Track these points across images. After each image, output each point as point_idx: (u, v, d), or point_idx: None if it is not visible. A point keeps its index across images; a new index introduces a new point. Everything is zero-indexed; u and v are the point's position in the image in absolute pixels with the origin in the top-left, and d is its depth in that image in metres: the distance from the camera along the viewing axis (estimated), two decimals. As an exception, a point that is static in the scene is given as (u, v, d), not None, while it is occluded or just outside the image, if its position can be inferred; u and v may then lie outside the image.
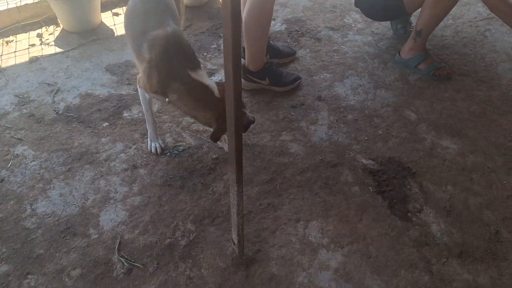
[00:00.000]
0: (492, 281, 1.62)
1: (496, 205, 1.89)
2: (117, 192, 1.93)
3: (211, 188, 1.95)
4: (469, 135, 2.22)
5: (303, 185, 1.99)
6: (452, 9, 2.47)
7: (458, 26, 2.99)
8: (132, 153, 2.12)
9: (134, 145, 2.16)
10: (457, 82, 2.55)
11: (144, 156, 2.10)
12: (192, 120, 2.31)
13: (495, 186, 1.97)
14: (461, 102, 2.42)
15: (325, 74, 2.66)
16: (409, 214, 1.86)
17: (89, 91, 2.51)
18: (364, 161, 2.10)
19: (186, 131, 2.24)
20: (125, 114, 2.34)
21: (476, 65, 2.67)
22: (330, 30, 3.00)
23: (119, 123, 2.28)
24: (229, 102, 1.13)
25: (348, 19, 3.10)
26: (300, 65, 2.73)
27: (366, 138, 2.22)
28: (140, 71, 1.92)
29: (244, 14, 2.27)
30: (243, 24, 2.28)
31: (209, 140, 2.17)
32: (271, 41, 2.69)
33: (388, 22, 2.97)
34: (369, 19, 2.93)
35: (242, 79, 2.37)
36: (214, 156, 2.10)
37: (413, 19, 2.91)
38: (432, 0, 2.33)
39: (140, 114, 2.33)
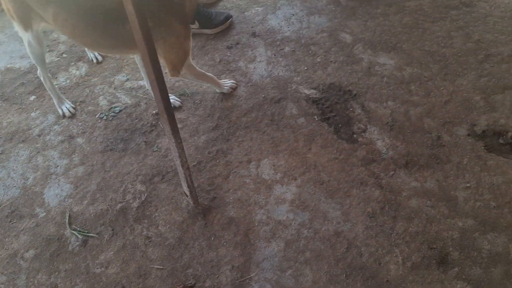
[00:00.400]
0: (439, 184, 1.69)
1: (435, 111, 1.94)
2: (58, 166, 1.84)
3: (155, 145, 1.89)
4: (404, 48, 2.23)
5: (249, 125, 1.96)
6: None
7: None
8: (67, 123, 2.00)
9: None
10: (387, -4, 2.53)
11: (80, 124, 2.00)
12: (126, 78, 2.19)
13: (433, 94, 2.02)
14: (394, 16, 2.41)
15: (256, 8, 2.56)
16: (354, 135, 1.88)
17: (8, 66, 2.32)
18: (306, 91, 2.09)
19: (120, 90, 2.13)
20: (52, 84, 2.19)
21: (404, -24, 2.64)
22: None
23: (47, 94, 2.13)
24: (143, 51, 1.05)
25: None
26: (230, 2, 2.61)
27: (305, 68, 2.20)
28: (165, 56, 1.71)
29: None
30: None
31: (146, 96, 2.08)
32: None
33: None
34: None
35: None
36: (154, 112, 2.02)
37: None
38: None
39: (68, 81, 2.19)
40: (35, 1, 1.61)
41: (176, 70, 1.76)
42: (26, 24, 1.74)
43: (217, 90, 2.09)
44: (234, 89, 2.12)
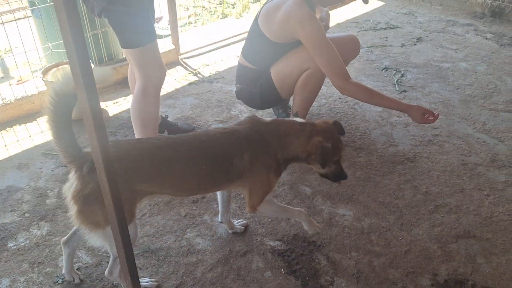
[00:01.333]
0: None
1: (397, 262, 2.00)
2: (4, 337, 1.67)
3: (116, 308, 1.79)
4: (360, 199, 2.39)
5: (215, 281, 1.92)
6: (323, 90, 2.75)
7: (331, 103, 3.34)
8: (21, 287, 1.88)
9: (22, 277, 1.93)
10: (340, 153, 2.78)
11: (35, 287, 1.88)
12: (87, 237, 2.15)
13: (393, 244, 2.10)
14: (347, 170, 2.61)
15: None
16: (322, 289, 1.87)
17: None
18: (271, 243, 2.12)
19: (81, 249, 2.07)
20: (10, 245, 2.11)
21: (352, 136, 2.96)
22: (219, 123, 3.14)
23: (4, 256, 2.04)
24: (113, 224, 1.09)
25: (234, 111, 3.28)
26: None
27: (269, 220, 2.26)
28: (249, 192, 1.82)
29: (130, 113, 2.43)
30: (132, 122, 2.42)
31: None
32: (168, 119, 2.88)
33: (271, 109, 3.21)
34: (253, 109, 3.14)
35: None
36: (116, 271, 1.95)
37: (291, 102, 3.18)
38: (300, 86, 2.60)
39: (28, 241, 2.12)
40: (151, 173, 1.59)
41: (254, 207, 1.84)
42: (131, 214, 1.58)
43: (306, 228, 2.00)
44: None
